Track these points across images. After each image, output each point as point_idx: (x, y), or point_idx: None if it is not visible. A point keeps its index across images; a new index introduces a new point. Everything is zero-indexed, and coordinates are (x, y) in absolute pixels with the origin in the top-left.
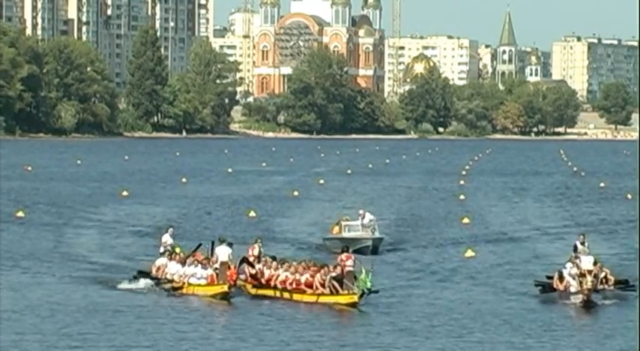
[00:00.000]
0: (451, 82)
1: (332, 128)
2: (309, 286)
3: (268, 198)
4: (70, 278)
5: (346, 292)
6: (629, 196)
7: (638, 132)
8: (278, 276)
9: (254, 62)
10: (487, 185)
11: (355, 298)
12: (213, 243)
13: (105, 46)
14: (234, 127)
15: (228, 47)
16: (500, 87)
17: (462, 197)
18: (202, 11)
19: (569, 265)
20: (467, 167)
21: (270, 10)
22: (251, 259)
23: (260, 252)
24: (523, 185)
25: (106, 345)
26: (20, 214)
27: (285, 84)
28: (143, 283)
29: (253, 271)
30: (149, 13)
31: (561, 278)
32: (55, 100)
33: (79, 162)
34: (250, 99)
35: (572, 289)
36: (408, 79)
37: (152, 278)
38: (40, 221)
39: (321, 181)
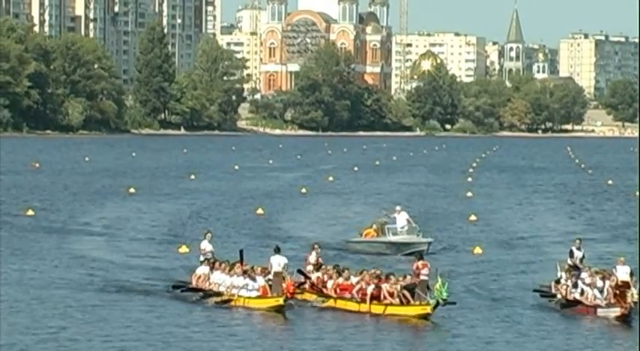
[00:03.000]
0: (458, 79)
1: (339, 125)
2: (376, 297)
3: (276, 195)
4: (86, 284)
5: (418, 302)
6: (638, 194)
7: (638, 131)
8: (339, 285)
9: (261, 59)
10: (494, 182)
11: (428, 309)
12: (241, 251)
13: (112, 43)
14: (241, 124)
15: (236, 44)
16: (508, 84)
17: (469, 194)
18: (209, 8)
19: (584, 274)
20: (474, 164)
21: (277, 7)
22: (309, 267)
23: (318, 259)
24: (530, 183)
25: None
26: (30, 212)
27: (292, 81)
28: (187, 295)
29: (314, 280)
30: (156, 10)
31: (558, 281)
32: (62, 97)
33: (86, 159)
34: (257, 96)
35: (599, 302)
36: (415, 76)
37: (195, 290)
38: (49, 219)
39: (330, 178)
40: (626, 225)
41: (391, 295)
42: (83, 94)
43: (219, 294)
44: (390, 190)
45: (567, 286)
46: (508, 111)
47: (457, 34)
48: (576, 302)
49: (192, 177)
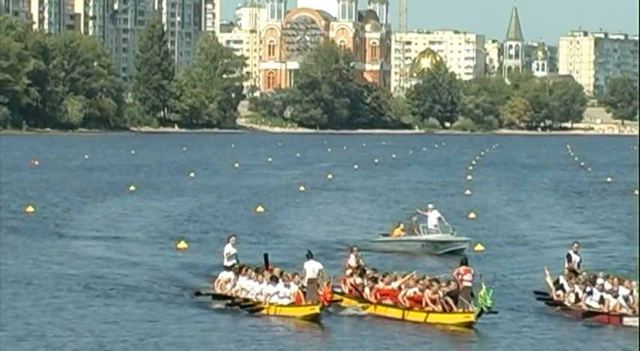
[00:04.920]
0: (458, 77)
1: (338, 123)
2: (418, 301)
3: (276, 193)
4: (86, 282)
5: (461, 310)
6: (637, 192)
7: (639, 129)
8: (379, 290)
9: (260, 57)
10: (493, 180)
11: (472, 317)
12: (266, 256)
13: (111, 41)
14: (240, 121)
15: (235, 42)
16: (507, 82)
17: (468, 192)
18: (209, 6)
19: (600, 280)
20: (473, 162)
21: (276, 4)
22: (348, 271)
23: (359, 262)
24: (530, 180)
25: None
26: (30, 209)
27: (291, 79)
28: (211, 302)
29: (355, 284)
30: (156, 7)
31: (559, 287)
32: (61, 95)
33: (86, 156)
34: (257, 94)
35: (625, 310)
36: (415, 74)
37: (220, 297)
38: (49, 216)
39: (330, 176)
40: (625, 222)
41: (434, 302)
42: (82, 91)
43: (246, 301)
44: (389, 187)
45: (576, 292)
46: (507, 109)
47: (456, 32)
48: (596, 312)
49: (192, 175)
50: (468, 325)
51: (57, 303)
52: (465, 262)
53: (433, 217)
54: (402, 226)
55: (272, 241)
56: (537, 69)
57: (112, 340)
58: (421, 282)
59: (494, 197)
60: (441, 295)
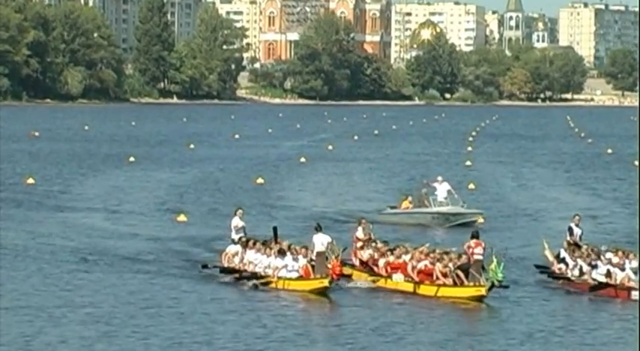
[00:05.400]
0: (458, 49)
1: (339, 94)
2: (428, 274)
3: (276, 164)
4: (87, 253)
5: (472, 283)
6: (637, 163)
7: (638, 101)
8: (390, 264)
9: (261, 28)
10: (493, 151)
11: (483, 291)
12: (275, 228)
13: (111, 12)
14: (240, 93)
15: (235, 13)
16: (507, 53)
17: (468, 163)
18: None
19: (607, 253)
20: (473, 133)
21: None
22: (359, 244)
23: (368, 234)
24: (530, 151)
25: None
26: (30, 180)
27: (291, 50)
28: (218, 276)
29: (364, 258)
30: None
31: (561, 261)
32: (61, 66)
33: (85, 128)
34: (257, 65)
35: (633, 284)
36: (415, 45)
37: (227, 270)
38: (49, 188)
39: (330, 147)
40: (626, 194)
41: (444, 275)
42: (82, 62)
43: (254, 275)
44: (390, 158)
45: (580, 266)
46: (508, 80)
47: (457, 3)
48: (605, 285)
49: (192, 146)
50: (479, 298)
51: (56, 274)
52: (476, 235)
53: (443, 189)
54: (410, 198)
55: (272, 213)
56: (538, 40)
57: (111, 311)
58: (432, 255)
59: (494, 168)
60: (452, 268)
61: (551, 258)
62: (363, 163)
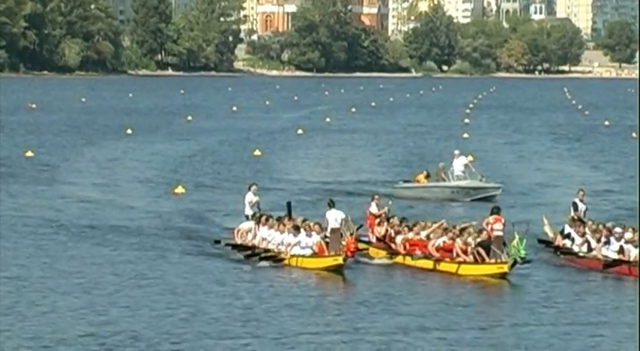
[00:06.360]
0: (455, 21)
1: (336, 66)
2: (448, 250)
3: (273, 136)
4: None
5: (494, 260)
6: (634, 135)
7: (638, 72)
8: (408, 240)
9: (258, 0)
10: (491, 123)
11: (505, 268)
12: (289, 204)
13: None
14: (237, 65)
15: None
16: (505, 25)
17: (465, 135)
18: None
19: (618, 229)
20: (471, 105)
21: None
22: (376, 221)
23: (385, 211)
24: (527, 123)
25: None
26: (29, 153)
27: (289, 22)
28: (230, 252)
29: (381, 234)
30: None
31: (565, 236)
32: (58, 38)
33: (83, 99)
34: (254, 37)
35: None
36: (412, 17)
37: (239, 247)
38: (48, 160)
39: (327, 119)
40: (623, 165)
41: (464, 252)
42: (80, 34)
43: (267, 252)
44: (387, 130)
45: (588, 242)
46: (505, 52)
47: None
48: (619, 262)
49: (190, 118)
50: (502, 275)
51: (52, 245)
52: (496, 211)
53: (459, 163)
54: (425, 172)
55: (269, 185)
56: (535, 12)
57: (102, 282)
58: (451, 231)
59: (492, 140)
60: (473, 245)
61: (551, 234)
62: (361, 135)
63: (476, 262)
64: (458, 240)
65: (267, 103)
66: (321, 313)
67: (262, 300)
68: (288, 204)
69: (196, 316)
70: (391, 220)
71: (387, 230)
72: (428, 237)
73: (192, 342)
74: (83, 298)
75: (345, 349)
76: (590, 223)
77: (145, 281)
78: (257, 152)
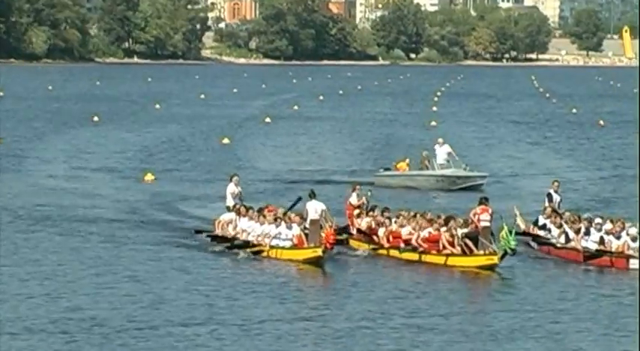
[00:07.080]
0: (423, 9)
1: (304, 54)
2: (434, 241)
3: (241, 124)
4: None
5: (482, 251)
6: (602, 123)
7: (639, 62)
8: (392, 233)
9: None
10: (459, 111)
11: (495, 260)
12: (300, 199)
13: None
14: (205, 53)
15: None
16: (472, 13)
17: (433, 123)
18: None
19: (599, 220)
20: (438, 93)
21: None
22: (355, 212)
23: (363, 201)
24: (495, 111)
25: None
26: None
27: (257, 10)
28: (210, 244)
29: (363, 227)
30: None
31: (541, 228)
32: (25, 26)
33: (50, 87)
34: (222, 25)
35: (632, 252)
36: (380, 5)
37: (219, 238)
38: (13, 148)
39: (295, 107)
40: (591, 154)
41: (451, 244)
42: (47, 22)
43: (247, 243)
44: (355, 118)
45: (565, 233)
46: (473, 40)
47: None
48: (601, 253)
49: (157, 106)
50: (491, 267)
51: (16, 234)
52: (483, 201)
53: (443, 151)
54: (407, 160)
55: (238, 173)
56: (503, 0)
57: (71, 270)
58: (436, 222)
59: (460, 128)
60: (460, 236)
61: (522, 226)
62: (329, 123)
63: (464, 253)
64: (443, 231)
65: (235, 91)
66: (290, 302)
67: (228, 287)
68: (299, 199)
69: (162, 303)
70: (371, 213)
71: (368, 222)
72: (413, 228)
73: (158, 329)
74: (48, 286)
75: (310, 336)
76: (567, 214)
77: (111, 267)
78: (225, 140)
